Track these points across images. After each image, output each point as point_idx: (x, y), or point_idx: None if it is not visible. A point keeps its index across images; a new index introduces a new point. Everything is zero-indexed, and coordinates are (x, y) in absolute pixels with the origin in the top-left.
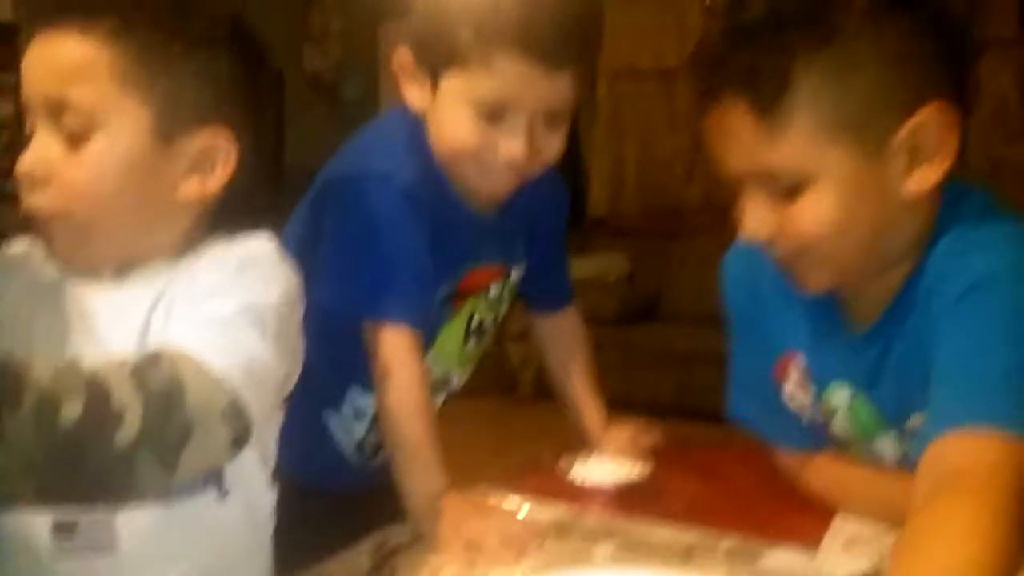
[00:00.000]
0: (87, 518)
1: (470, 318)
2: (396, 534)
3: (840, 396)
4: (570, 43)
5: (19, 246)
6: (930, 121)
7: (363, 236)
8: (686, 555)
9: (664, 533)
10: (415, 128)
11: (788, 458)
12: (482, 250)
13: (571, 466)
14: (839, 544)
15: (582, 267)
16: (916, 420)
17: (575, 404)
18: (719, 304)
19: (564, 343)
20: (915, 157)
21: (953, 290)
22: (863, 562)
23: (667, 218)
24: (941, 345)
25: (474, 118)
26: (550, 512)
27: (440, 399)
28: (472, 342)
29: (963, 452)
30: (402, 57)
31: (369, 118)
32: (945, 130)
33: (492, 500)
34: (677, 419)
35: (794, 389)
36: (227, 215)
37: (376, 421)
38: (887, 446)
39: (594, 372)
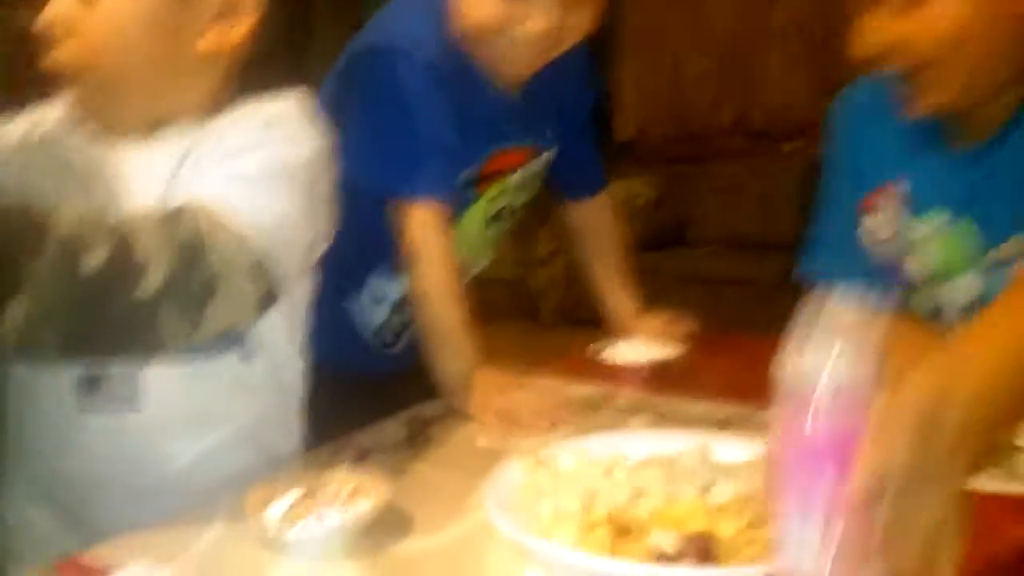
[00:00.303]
0: (111, 373)
1: (492, 202)
2: (430, 408)
3: (933, 223)
4: None
5: (48, 111)
6: None
7: (389, 111)
8: (722, 426)
9: (699, 407)
10: (439, 4)
11: None
12: (508, 132)
13: (601, 349)
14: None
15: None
16: (1010, 247)
17: (606, 291)
18: (746, 229)
19: (596, 230)
20: None
21: None
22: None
23: (695, 142)
24: None
25: None
26: (582, 391)
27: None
28: (494, 228)
29: None
30: None
31: None
32: None
33: (525, 377)
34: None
35: (881, 223)
36: (255, 79)
37: (396, 307)
38: (963, 285)
39: (626, 260)
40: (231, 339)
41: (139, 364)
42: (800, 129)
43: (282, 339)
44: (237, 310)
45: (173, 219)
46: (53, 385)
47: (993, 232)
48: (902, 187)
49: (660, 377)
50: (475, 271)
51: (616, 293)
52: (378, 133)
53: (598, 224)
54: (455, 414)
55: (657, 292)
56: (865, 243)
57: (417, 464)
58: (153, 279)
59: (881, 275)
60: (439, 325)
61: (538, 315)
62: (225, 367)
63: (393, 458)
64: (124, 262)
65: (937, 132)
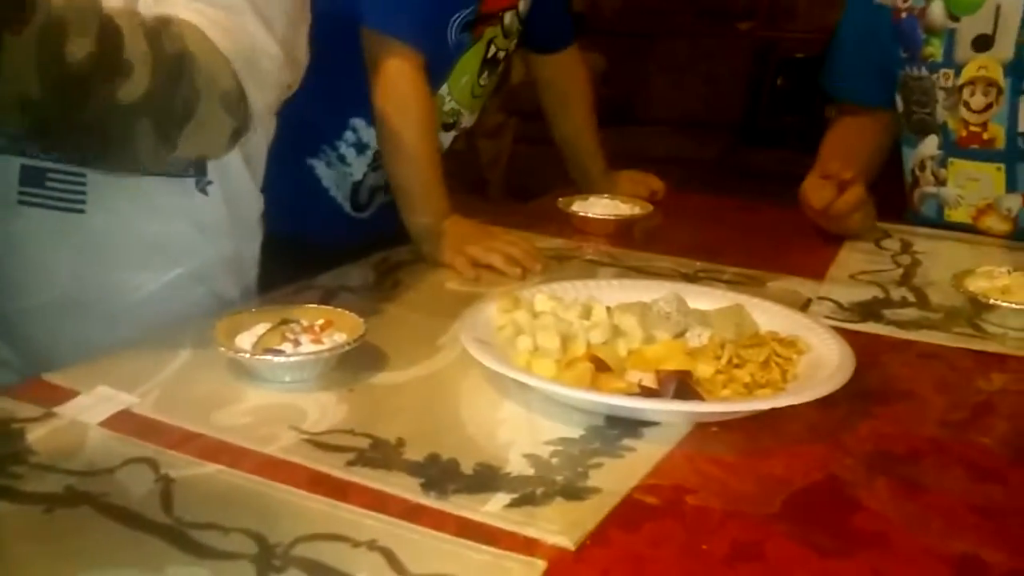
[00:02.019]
0: (57, 169)
1: (487, 47)
2: (396, 253)
3: None
4: None
5: None
6: None
7: None
8: (690, 279)
9: (666, 262)
10: None
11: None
12: None
13: (571, 204)
14: (843, 276)
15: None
16: None
17: (575, 146)
18: (692, 108)
19: (565, 88)
20: None
21: None
22: (870, 291)
23: (646, 18)
24: None
25: None
26: (550, 243)
27: (449, 138)
28: (486, 74)
29: None
30: None
31: None
32: None
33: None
34: None
35: None
36: None
37: (374, 164)
38: (981, 20)
39: (595, 119)
40: (190, 165)
41: (101, 170)
42: (751, 10)
43: (243, 175)
44: (211, 138)
45: (161, 28)
46: None
47: None
48: None
49: (627, 233)
50: (464, 125)
51: (586, 149)
52: None
53: (569, 78)
54: (424, 260)
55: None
56: (889, 7)
57: (387, 305)
58: (136, 85)
59: (902, 39)
60: (410, 174)
61: (485, 188)
62: (181, 193)
63: (361, 299)
64: (110, 59)
65: None
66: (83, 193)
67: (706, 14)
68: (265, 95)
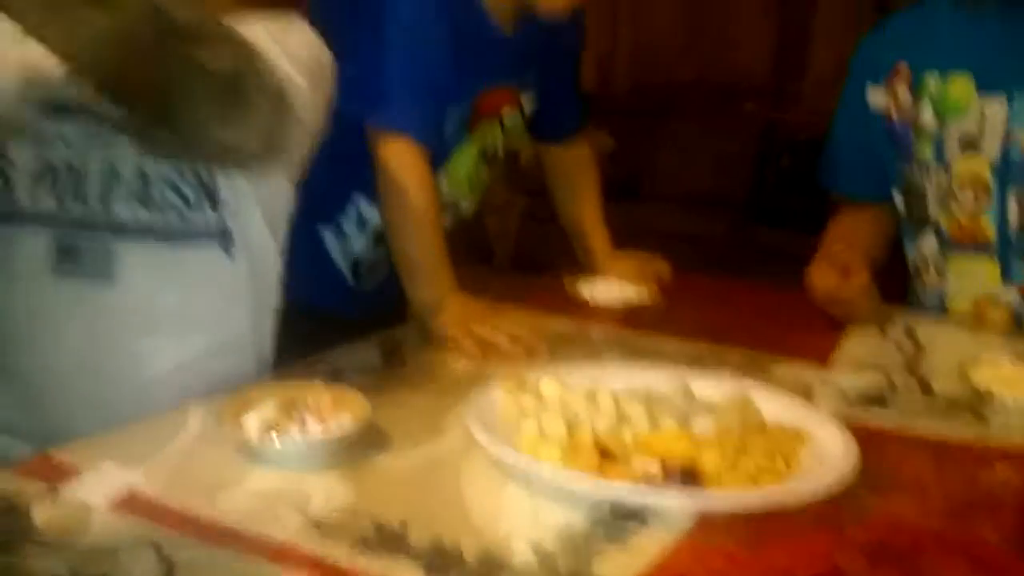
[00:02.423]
0: (88, 244)
1: (483, 142)
2: (402, 332)
3: (931, 81)
4: None
5: None
6: None
7: (385, 39)
8: (694, 363)
9: (671, 345)
10: None
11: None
12: (498, 69)
13: (577, 285)
14: (847, 362)
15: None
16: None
17: (582, 230)
18: (698, 185)
19: (572, 172)
20: None
21: None
22: (874, 378)
23: (655, 96)
24: None
25: None
26: (556, 325)
27: (448, 221)
28: (484, 170)
29: None
30: None
31: None
32: None
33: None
34: None
35: (893, 92)
36: None
37: (378, 237)
38: (959, 126)
39: (601, 202)
40: (214, 228)
41: (114, 234)
42: (759, 91)
43: (265, 239)
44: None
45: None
46: (30, 251)
47: (988, 81)
48: (907, 64)
49: (633, 316)
50: (463, 212)
51: (593, 232)
52: (371, 60)
53: (577, 165)
54: (429, 339)
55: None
56: (881, 110)
57: (393, 385)
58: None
59: (895, 140)
60: (414, 252)
61: (492, 259)
62: (206, 257)
63: (368, 378)
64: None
65: (944, 5)
66: (113, 262)
67: (713, 94)
68: (303, 145)
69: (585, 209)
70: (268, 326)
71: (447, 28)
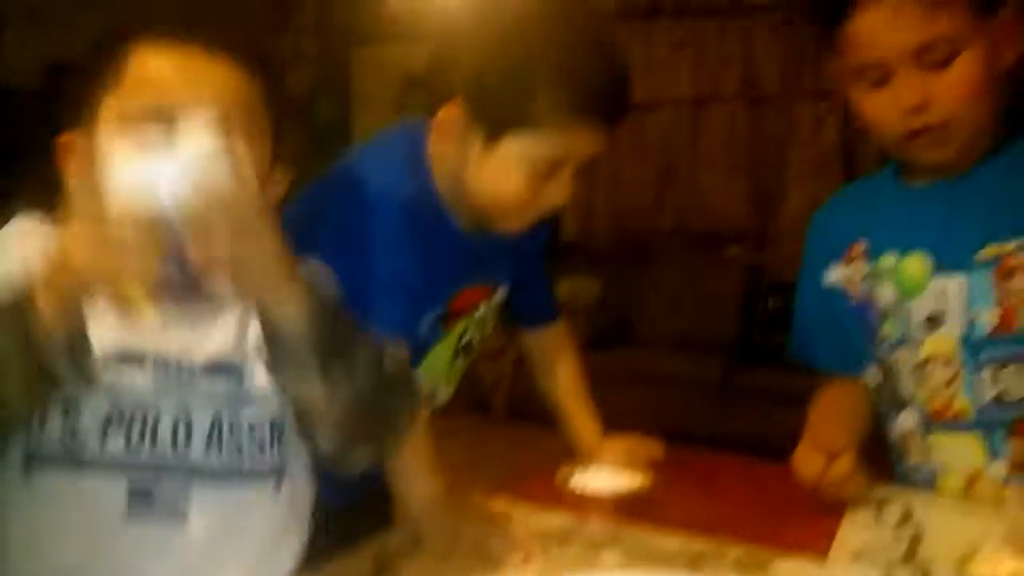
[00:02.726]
0: (162, 486)
1: (459, 337)
2: (396, 539)
3: (888, 261)
4: (627, 102)
5: None
6: (1010, 17)
7: (355, 250)
8: (694, 562)
9: (671, 541)
10: (414, 146)
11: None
12: (471, 271)
13: (570, 476)
14: (847, 554)
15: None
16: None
17: (568, 417)
18: (688, 328)
19: (554, 358)
20: (1008, 37)
21: None
22: (873, 571)
23: (637, 244)
24: None
25: (532, 174)
26: (552, 520)
27: (427, 412)
28: (460, 359)
29: None
30: (452, 112)
31: (342, 141)
32: (1019, 25)
33: (492, 506)
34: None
35: (852, 272)
36: None
37: None
38: (919, 305)
39: (586, 385)
40: (275, 466)
41: (188, 476)
42: (739, 236)
43: (302, 467)
44: None
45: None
46: (105, 494)
47: (944, 259)
48: (863, 243)
49: (629, 508)
50: (440, 401)
51: (579, 419)
52: (345, 272)
53: (556, 351)
54: (422, 546)
55: (601, 391)
56: (841, 289)
57: None
58: None
59: (858, 319)
60: (401, 456)
61: (489, 408)
62: (262, 492)
63: None
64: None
65: (895, 178)
66: (187, 503)
67: (695, 239)
68: None
69: (567, 394)
70: (299, 544)
71: (418, 242)
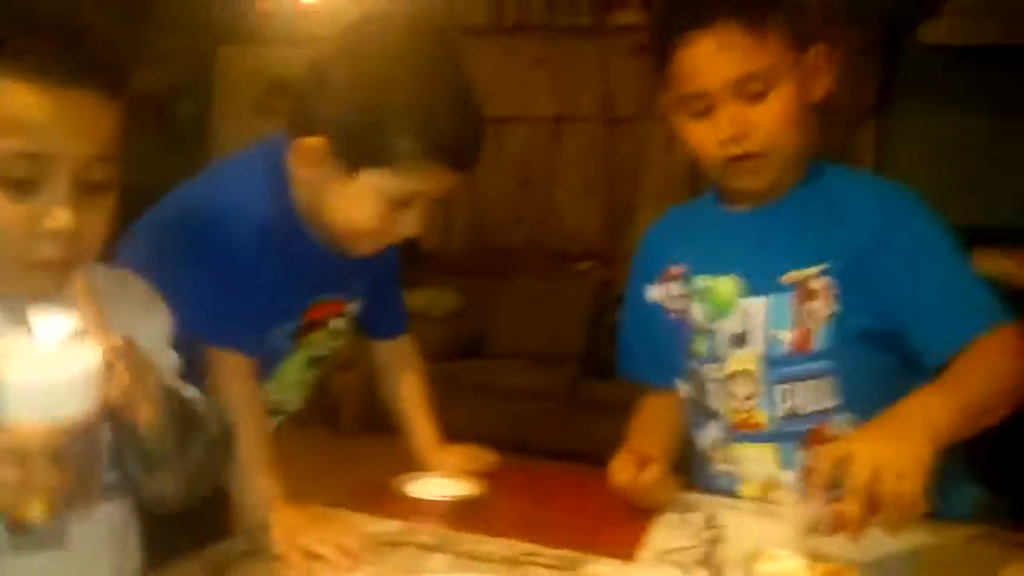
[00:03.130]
0: None
1: (312, 351)
2: (232, 546)
3: (701, 283)
4: (479, 147)
5: None
6: (825, 46)
7: (208, 263)
8: (513, 565)
9: (495, 545)
10: (274, 163)
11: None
12: (326, 285)
13: (404, 484)
14: (652, 555)
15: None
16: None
17: (409, 426)
18: (539, 343)
19: (399, 368)
20: (818, 71)
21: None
22: (673, 571)
23: (494, 258)
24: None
25: (386, 207)
26: (384, 526)
27: (276, 422)
28: (311, 371)
29: (983, 337)
30: (313, 144)
31: (201, 138)
32: (830, 55)
33: (326, 513)
34: (498, 452)
35: (669, 290)
36: None
37: None
38: (728, 324)
39: (428, 396)
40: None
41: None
42: (591, 252)
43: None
44: None
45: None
46: None
47: (752, 281)
48: (682, 265)
49: (460, 513)
50: (291, 410)
51: (419, 428)
52: (196, 283)
53: (401, 362)
54: (256, 554)
55: (454, 401)
56: (660, 305)
57: None
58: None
59: (674, 335)
60: (240, 464)
61: (337, 421)
62: (119, 504)
63: None
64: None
65: (715, 203)
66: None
67: (549, 254)
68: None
69: (409, 404)
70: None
71: (274, 257)
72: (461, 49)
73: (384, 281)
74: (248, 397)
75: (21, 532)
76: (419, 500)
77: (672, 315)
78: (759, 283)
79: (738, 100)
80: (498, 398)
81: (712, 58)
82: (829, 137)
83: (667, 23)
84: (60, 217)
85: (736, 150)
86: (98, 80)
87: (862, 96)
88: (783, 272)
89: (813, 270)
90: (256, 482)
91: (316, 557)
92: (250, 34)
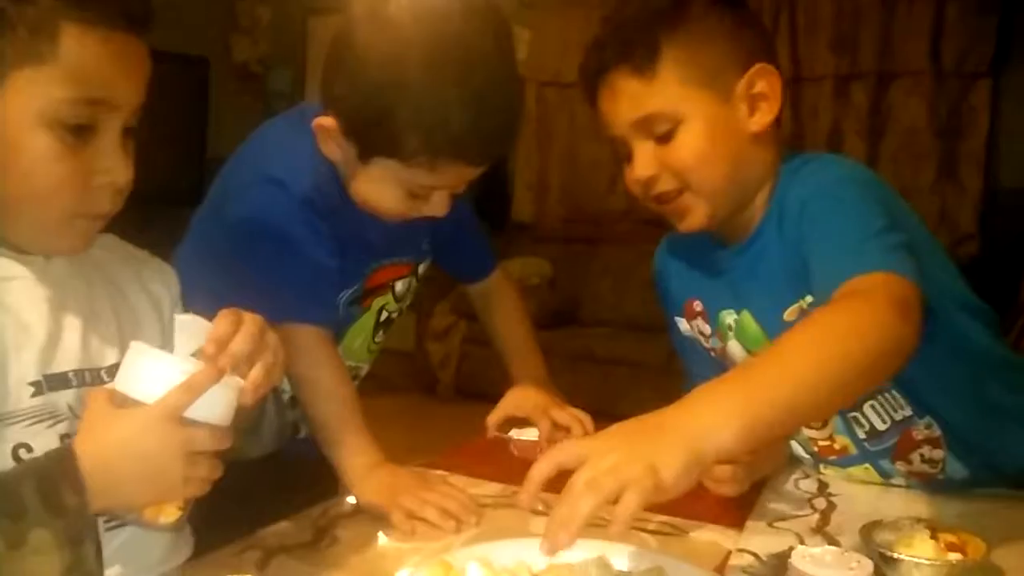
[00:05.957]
0: None
1: (378, 313)
2: (336, 506)
3: (728, 318)
4: (504, 143)
5: None
6: (758, 77)
7: (265, 243)
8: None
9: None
10: (314, 136)
11: None
12: (386, 250)
13: (507, 432)
14: (763, 523)
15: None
16: (791, 314)
17: (515, 358)
18: (636, 311)
19: (496, 304)
20: (753, 103)
21: (803, 192)
22: (785, 540)
23: (589, 226)
24: (811, 238)
25: (403, 195)
26: (485, 488)
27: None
28: (380, 334)
29: (849, 285)
30: (327, 123)
31: None
32: (770, 83)
33: (428, 475)
34: (595, 422)
35: (699, 326)
36: (151, 205)
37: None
38: None
39: (530, 329)
40: None
41: None
42: None
43: None
44: None
45: None
46: None
47: (762, 317)
48: (698, 302)
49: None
50: (363, 373)
51: (525, 357)
52: (256, 265)
53: (497, 297)
54: (360, 513)
55: (548, 370)
56: (696, 341)
57: (323, 570)
58: None
59: (720, 370)
60: (332, 426)
61: (435, 388)
62: None
63: (299, 561)
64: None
65: (711, 249)
66: None
67: (643, 222)
68: None
69: (513, 339)
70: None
71: (328, 226)
72: (504, 29)
73: (457, 230)
74: (333, 364)
75: (151, 529)
76: (522, 443)
77: (712, 353)
78: (770, 321)
79: (649, 142)
80: (593, 367)
81: (611, 104)
82: (945, 97)
83: (583, 73)
84: (119, 170)
85: (653, 190)
86: (144, 27)
87: (977, 56)
88: (785, 308)
89: (807, 299)
90: (356, 445)
91: (419, 518)
92: (339, 4)
